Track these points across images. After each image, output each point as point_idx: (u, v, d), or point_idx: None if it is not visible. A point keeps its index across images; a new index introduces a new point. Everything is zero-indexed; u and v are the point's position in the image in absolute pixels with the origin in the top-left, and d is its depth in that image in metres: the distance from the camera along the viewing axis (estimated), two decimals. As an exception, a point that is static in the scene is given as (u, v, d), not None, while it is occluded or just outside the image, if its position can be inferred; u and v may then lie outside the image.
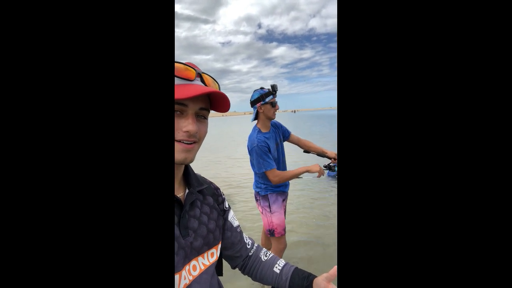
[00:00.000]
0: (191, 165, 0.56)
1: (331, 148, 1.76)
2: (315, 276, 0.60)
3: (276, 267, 0.65)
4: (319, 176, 1.56)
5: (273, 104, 1.58)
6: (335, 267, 0.55)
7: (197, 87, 0.45)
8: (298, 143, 1.86)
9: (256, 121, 1.65)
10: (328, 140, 8.72)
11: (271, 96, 1.56)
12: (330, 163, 1.77)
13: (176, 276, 0.47)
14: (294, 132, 1.86)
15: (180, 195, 0.53)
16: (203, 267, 0.54)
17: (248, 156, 1.63)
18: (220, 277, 0.64)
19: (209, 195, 0.61)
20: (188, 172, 0.56)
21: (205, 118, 0.49)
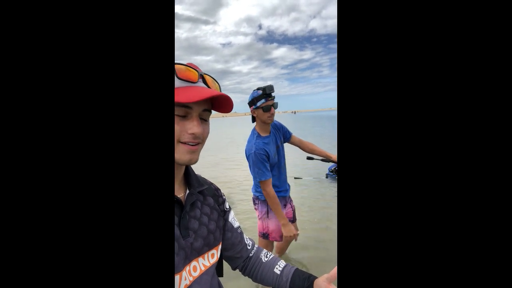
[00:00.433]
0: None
1: (334, 148, 1.71)
2: (316, 277, 0.60)
3: (277, 268, 0.65)
4: (290, 240, 1.56)
5: (265, 109, 1.41)
6: (336, 268, 0.55)
7: (201, 89, 0.45)
8: (299, 145, 1.75)
9: (255, 123, 1.55)
10: (330, 141, 8.71)
11: (263, 100, 1.40)
12: (336, 167, 1.74)
13: (177, 277, 0.47)
14: (295, 133, 1.79)
15: (180, 195, 0.53)
16: (203, 268, 0.54)
17: None
18: (220, 278, 0.64)
19: (210, 196, 0.61)
20: (188, 172, 0.56)
21: (207, 119, 0.50)
